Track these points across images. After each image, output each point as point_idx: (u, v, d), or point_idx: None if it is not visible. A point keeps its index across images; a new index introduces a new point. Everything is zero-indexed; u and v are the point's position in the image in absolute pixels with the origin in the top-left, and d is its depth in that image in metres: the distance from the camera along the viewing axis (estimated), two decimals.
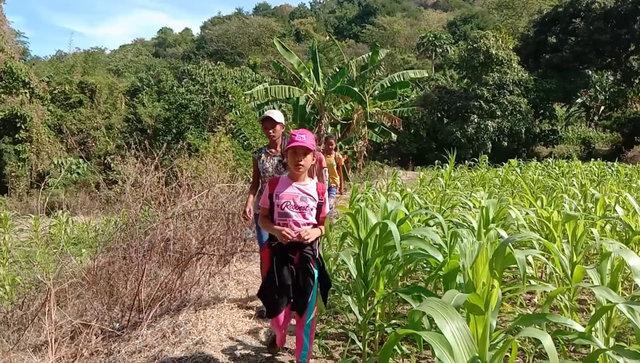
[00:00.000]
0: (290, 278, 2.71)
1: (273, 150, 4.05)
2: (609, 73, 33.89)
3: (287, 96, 15.30)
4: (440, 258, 3.12)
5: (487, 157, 18.85)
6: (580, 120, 39.34)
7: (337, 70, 19.45)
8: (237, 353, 3.44)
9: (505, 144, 31.51)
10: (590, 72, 33.61)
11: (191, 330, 3.84)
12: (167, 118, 31.84)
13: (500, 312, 3.47)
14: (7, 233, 7.14)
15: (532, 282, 3.48)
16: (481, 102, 31.51)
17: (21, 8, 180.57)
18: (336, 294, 4.21)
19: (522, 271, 2.64)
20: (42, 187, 8.39)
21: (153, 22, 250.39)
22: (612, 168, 13.75)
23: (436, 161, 19.70)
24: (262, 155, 4.03)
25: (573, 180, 9.24)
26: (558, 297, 3.18)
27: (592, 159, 19.44)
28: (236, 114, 20.59)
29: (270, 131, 3.99)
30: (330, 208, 6.09)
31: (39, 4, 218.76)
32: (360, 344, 3.19)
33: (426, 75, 20.61)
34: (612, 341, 2.63)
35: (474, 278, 2.39)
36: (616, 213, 4.85)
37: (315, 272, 2.81)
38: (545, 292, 3.28)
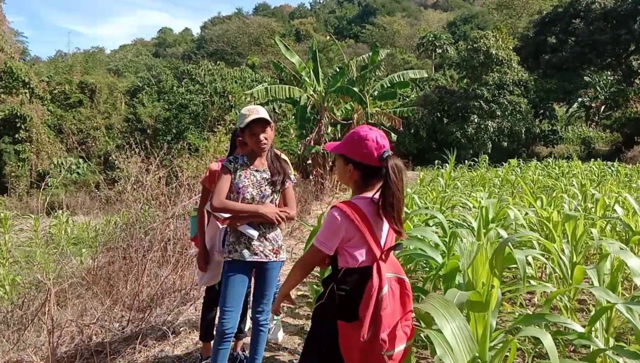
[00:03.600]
0: None
1: (257, 162, 2.77)
2: (609, 73, 33.94)
3: (287, 96, 15.30)
4: (439, 259, 3.11)
5: (487, 157, 18.88)
6: (580, 120, 39.37)
7: (337, 70, 19.45)
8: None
9: (505, 144, 31.52)
10: (589, 72, 33.66)
11: (191, 330, 3.85)
12: (167, 118, 31.86)
13: (500, 312, 3.47)
14: (7, 233, 7.14)
15: (532, 282, 3.48)
16: (481, 102, 31.52)
17: (22, 8, 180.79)
18: None
19: (522, 271, 2.64)
20: (42, 187, 8.40)
21: (153, 22, 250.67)
22: (612, 168, 13.77)
23: (436, 161, 19.72)
24: (239, 167, 2.72)
25: (573, 180, 9.25)
26: (558, 297, 3.19)
27: (592, 159, 19.46)
28: (236, 113, 20.60)
29: (262, 137, 2.68)
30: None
31: (40, 4, 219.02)
32: None
33: (426, 75, 20.61)
34: (611, 341, 2.63)
35: (474, 278, 2.39)
36: (616, 214, 4.86)
37: None
38: (545, 291, 3.28)
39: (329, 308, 1.88)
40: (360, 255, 1.83)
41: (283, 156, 3.44)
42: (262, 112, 2.67)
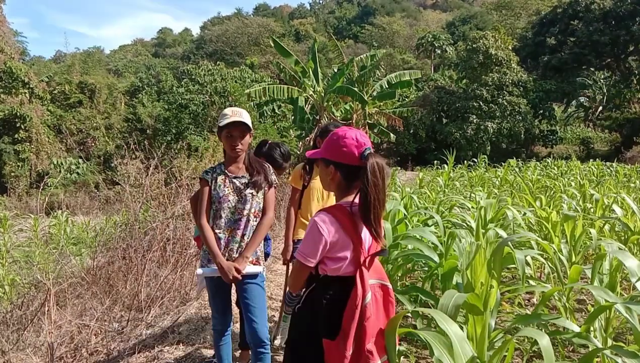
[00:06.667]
0: None
1: (233, 168, 2.68)
2: (607, 73, 33.99)
3: (286, 96, 15.32)
4: (436, 258, 3.12)
5: (487, 157, 18.87)
6: (579, 121, 39.41)
7: (337, 70, 19.47)
8: (237, 354, 3.44)
9: (504, 144, 31.52)
10: (588, 73, 33.68)
11: (191, 330, 3.86)
12: (166, 118, 31.80)
13: (499, 312, 3.48)
14: (6, 233, 7.15)
15: (531, 282, 3.49)
16: (480, 102, 31.52)
17: (25, 10, 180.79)
18: None
19: (521, 271, 2.65)
20: (41, 187, 8.39)
21: (155, 23, 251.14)
22: (611, 168, 13.79)
23: (435, 161, 19.73)
24: (218, 177, 2.65)
25: (572, 181, 9.26)
26: (556, 297, 3.19)
27: (591, 159, 19.48)
28: None
29: (239, 144, 2.61)
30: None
31: (43, 5, 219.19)
32: None
33: (420, 75, 20.60)
34: (610, 341, 2.64)
35: (472, 278, 2.39)
36: (615, 214, 4.87)
37: None
38: (543, 291, 3.29)
39: (311, 320, 1.75)
40: (342, 262, 1.70)
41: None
42: (244, 116, 2.58)
